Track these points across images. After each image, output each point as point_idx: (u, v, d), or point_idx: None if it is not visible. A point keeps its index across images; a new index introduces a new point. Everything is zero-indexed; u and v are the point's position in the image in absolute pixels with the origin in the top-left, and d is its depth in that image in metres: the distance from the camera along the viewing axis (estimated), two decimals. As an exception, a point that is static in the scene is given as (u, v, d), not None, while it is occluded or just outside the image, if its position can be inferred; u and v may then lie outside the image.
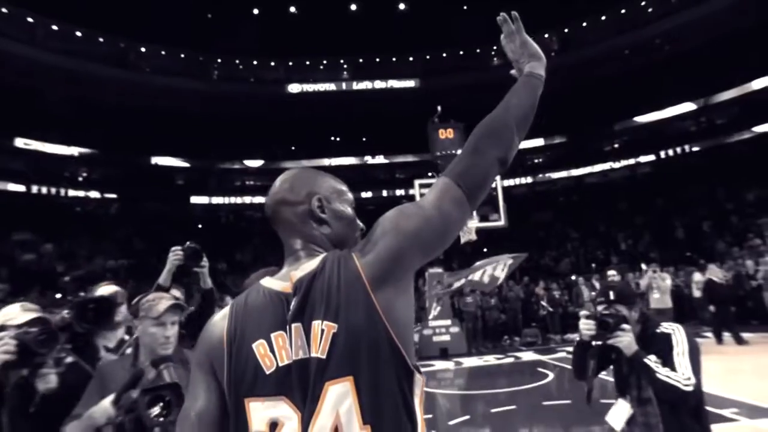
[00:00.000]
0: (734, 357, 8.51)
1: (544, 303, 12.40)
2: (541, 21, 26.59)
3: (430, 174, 17.87)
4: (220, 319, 1.06)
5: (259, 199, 29.07)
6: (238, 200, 28.57)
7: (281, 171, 1.28)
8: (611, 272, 7.46)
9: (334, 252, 1.04)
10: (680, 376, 2.00)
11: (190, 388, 1.06)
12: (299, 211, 1.10)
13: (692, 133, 25.19)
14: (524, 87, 1.22)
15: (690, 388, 1.98)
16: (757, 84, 21.90)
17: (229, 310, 1.06)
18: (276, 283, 1.05)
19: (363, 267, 0.98)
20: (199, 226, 25.76)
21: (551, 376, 8.06)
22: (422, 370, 0.99)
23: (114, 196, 25.13)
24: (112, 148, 24.00)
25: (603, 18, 26.03)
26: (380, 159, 29.14)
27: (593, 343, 2.22)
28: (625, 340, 2.10)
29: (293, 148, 28.97)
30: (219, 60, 27.29)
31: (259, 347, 0.98)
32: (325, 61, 28.86)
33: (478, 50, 28.68)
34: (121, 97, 23.02)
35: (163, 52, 25.76)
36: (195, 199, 27.34)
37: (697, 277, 10.80)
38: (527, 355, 10.50)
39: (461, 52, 28.76)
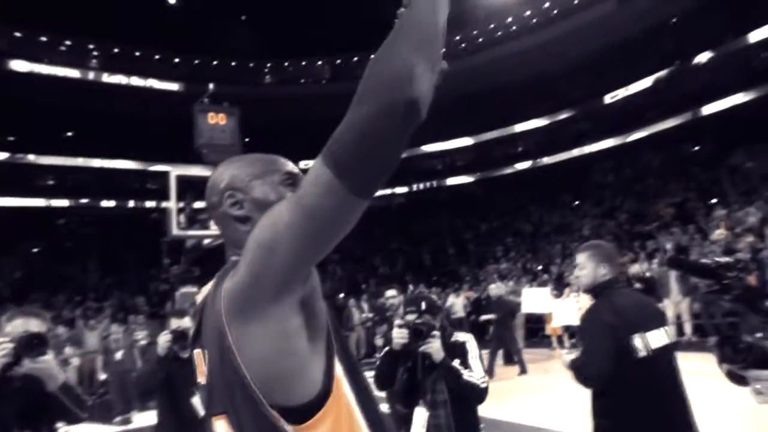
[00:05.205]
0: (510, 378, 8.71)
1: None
2: (317, 48, 27.39)
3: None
4: None
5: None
6: None
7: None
8: (390, 292, 7.30)
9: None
10: (478, 377, 2.26)
11: None
12: (220, 213, 0.95)
13: (438, 171, 28.79)
14: None
15: (486, 385, 2.26)
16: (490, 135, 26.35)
17: None
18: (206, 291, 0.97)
19: (224, 292, 0.80)
20: None
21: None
22: None
23: None
24: None
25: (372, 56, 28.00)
26: (132, 164, 25.27)
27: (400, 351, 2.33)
28: (435, 345, 2.25)
29: (12, 138, 23.27)
30: None
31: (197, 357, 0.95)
32: (68, 42, 24.24)
33: (251, 64, 27.91)
34: None
35: None
36: None
37: (452, 299, 11.75)
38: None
39: (233, 63, 27.51)
